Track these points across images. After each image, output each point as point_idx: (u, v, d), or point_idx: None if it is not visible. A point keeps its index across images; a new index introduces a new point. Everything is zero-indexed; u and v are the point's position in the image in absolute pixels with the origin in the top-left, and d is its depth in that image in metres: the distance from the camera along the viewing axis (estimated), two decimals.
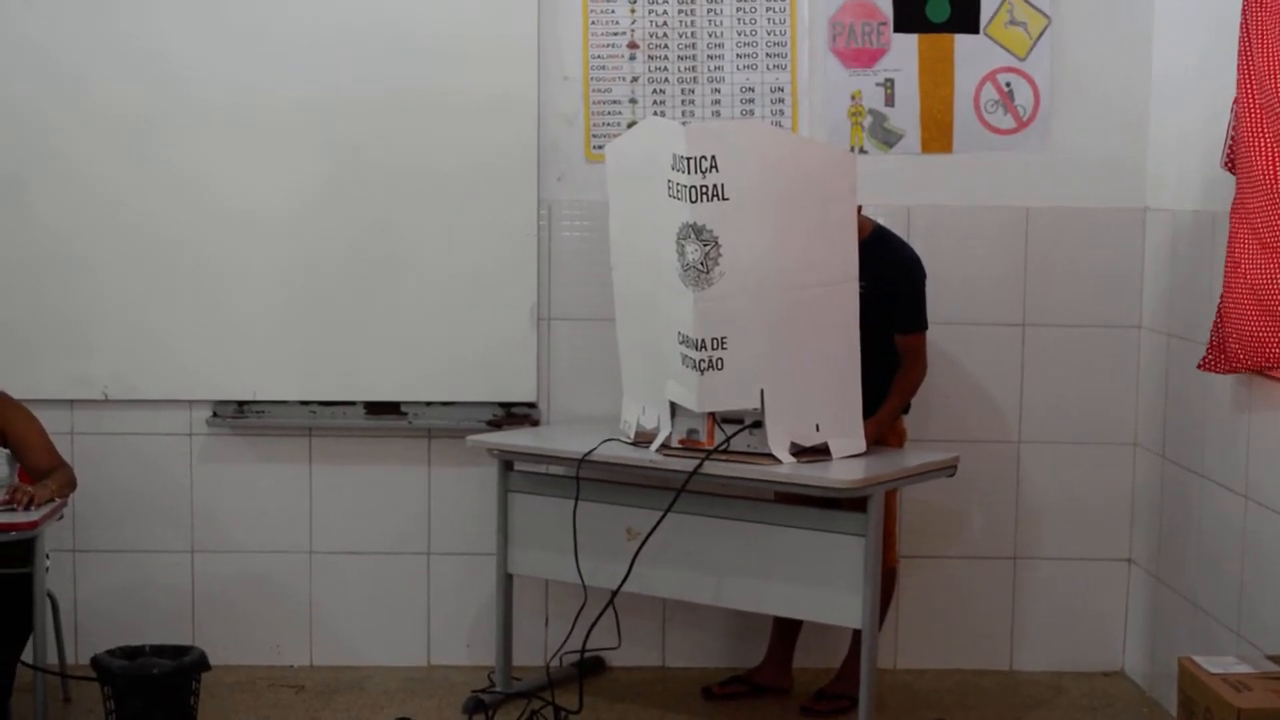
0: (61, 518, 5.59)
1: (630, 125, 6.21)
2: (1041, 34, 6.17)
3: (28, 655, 5.43)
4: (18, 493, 5.35)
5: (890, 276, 5.58)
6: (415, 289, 6.31)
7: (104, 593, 6.40)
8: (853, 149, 6.17)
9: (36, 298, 6.26)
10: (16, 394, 5.78)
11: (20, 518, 5.21)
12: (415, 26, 6.24)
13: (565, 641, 5.93)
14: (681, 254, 5.18)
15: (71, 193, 6.29)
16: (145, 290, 6.32)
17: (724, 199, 5.08)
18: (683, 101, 6.28)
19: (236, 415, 6.37)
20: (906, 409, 5.77)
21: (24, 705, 5.54)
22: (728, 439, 5.32)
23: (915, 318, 5.67)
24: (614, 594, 5.55)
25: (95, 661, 5.37)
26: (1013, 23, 6.17)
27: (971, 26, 6.18)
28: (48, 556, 5.45)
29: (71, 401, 6.25)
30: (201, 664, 5.39)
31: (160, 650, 5.43)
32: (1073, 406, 6.27)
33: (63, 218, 6.29)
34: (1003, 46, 6.19)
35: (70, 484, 5.64)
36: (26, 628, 5.39)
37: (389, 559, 6.47)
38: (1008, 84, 6.19)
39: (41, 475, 5.62)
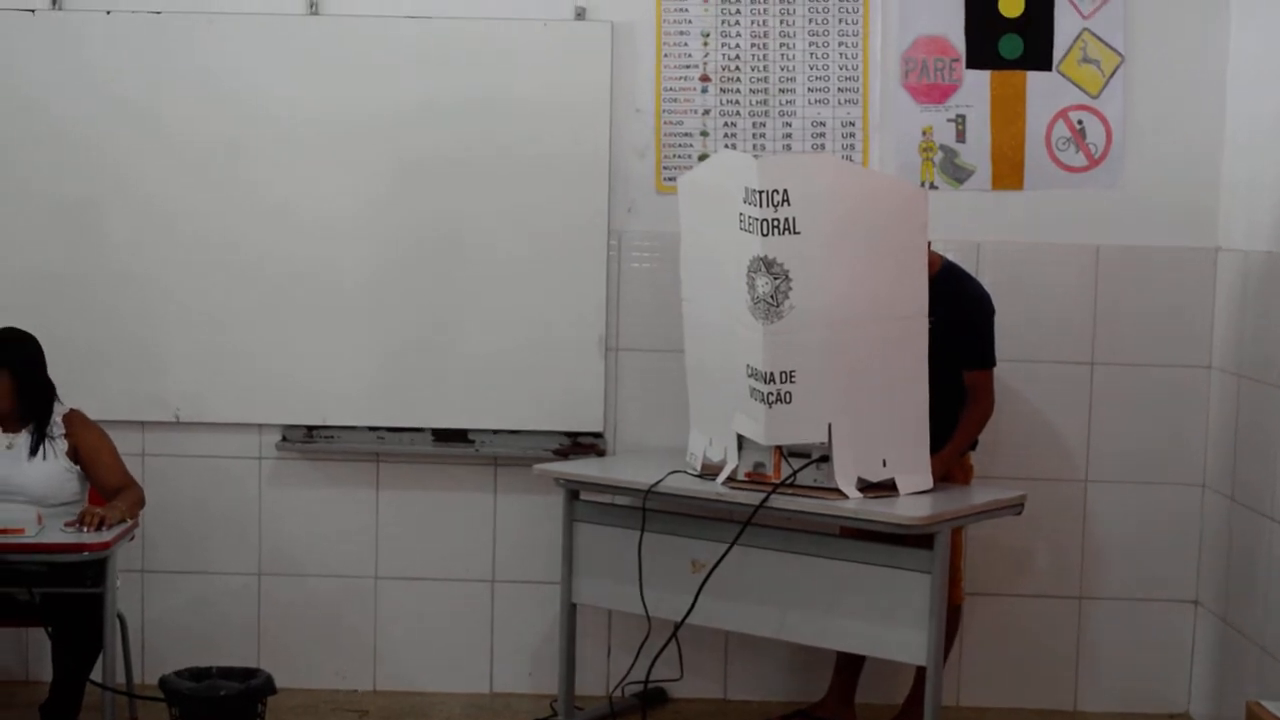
0: (133, 538, 5.61)
1: (701, 158, 6.22)
2: (1114, 72, 6.14)
3: (96, 674, 5.47)
4: (88, 515, 5.38)
5: (959, 312, 5.55)
6: (484, 317, 6.32)
7: (172, 613, 6.44)
8: (923, 184, 6.16)
9: (110, 320, 6.31)
10: (90, 414, 5.84)
11: (93, 538, 5.24)
12: (487, 59, 6.27)
13: (628, 672, 5.91)
14: (752, 287, 5.17)
15: (144, 217, 6.35)
16: (217, 314, 6.35)
17: (795, 233, 5.07)
18: (754, 135, 6.29)
19: (305, 439, 6.41)
20: (974, 446, 5.74)
21: None
22: (794, 473, 5.30)
23: (983, 354, 5.64)
24: (678, 626, 5.54)
25: (163, 682, 5.40)
26: (1086, 60, 6.15)
27: (1044, 64, 6.16)
28: (118, 577, 5.47)
29: (143, 423, 6.28)
30: (268, 687, 5.41)
31: (227, 672, 5.46)
32: (1141, 446, 6.22)
33: (136, 241, 6.34)
34: (1075, 84, 6.16)
35: (139, 503, 5.67)
36: (96, 647, 5.43)
37: (454, 586, 6.48)
38: (1080, 121, 6.17)
39: (111, 494, 5.67)
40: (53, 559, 5.23)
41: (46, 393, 5.75)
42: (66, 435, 5.73)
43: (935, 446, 5.41)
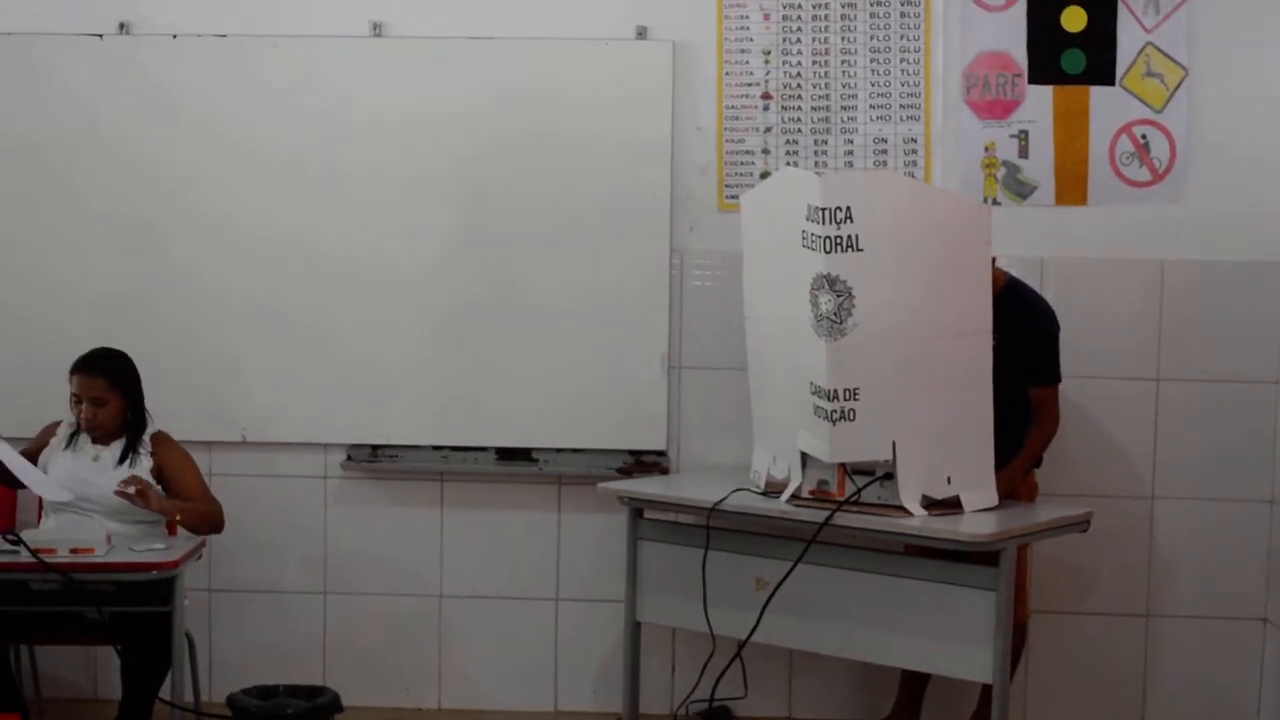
0: (200, 557, 5.64)
1: (763, 175, 6.24)
2: (1179, 86, 6.13)
3: (165, 692, 5.50)
4: (136, 480, 5.49)
5: (1024, 329, 5.56)
6: (547, 335, 6.34)
7: (239, 632, 6.49)
8: (986, 200, 6.15)
9: (177, 340, 6.37)
10: None
11: (162, 557, 5.28)
12: (552, 77, 6.31)
13: (693, 691, 5.90)
14: (815, 304, 5.16)
15: (211, 238, 6.41)
16: (284, 334, 6.41)
17: (858, 250, 5.06)
18: (815, 152, 6.30)
19: (370, 459, 6.44)
20: (1038, 463, 5.72)
21: None
22: (859, 490, 5.29)
23: (1048, 370, 5.63)
24: (742, 644, 5.54)
25: (231, 700, 5.46)
26: (1149, 74, 6.13)
27: (1107, 78, 6.16)
28: (186, 596, 5.50)
29: (210, 442, 6.33)
30: (334, 705, 5.47)
31: (294, 691, 5.53)
32: (1208, 462, 6.20)
33: (202, 262, 6.41)
34: (1139, 98, 6.15)
35: (205, 516, 5.71)
36: (164, 665, 5.46)
37: (518, 604, 6.50)
38: (1143, 136, 6.15)
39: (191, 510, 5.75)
40: (122, 578, 5.24)
41: (143, 411, 5.84)
42: (153, 454, 5.80)
43: (1000, 463, 5.40)
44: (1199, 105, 6.13)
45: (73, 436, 5.82)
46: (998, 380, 5.29)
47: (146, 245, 6.42)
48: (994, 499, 5.34)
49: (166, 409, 5.96)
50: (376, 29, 6.34)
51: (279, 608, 6.53)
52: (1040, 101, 6.18)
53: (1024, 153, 6.20)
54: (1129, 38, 6.13)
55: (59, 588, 5.22)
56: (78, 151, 6.42)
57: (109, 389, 5.72)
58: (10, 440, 5.87)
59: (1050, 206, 6.20)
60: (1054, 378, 5.64)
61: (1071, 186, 6.18)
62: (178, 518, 5.59)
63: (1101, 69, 6.16)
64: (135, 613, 5.35)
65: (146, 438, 5.82)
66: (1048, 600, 6.11)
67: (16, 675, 5.85)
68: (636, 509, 5.89)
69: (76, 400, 5.73)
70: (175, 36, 6.37)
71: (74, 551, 5.23)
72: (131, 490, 5.43)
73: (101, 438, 5.77)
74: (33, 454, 5.84)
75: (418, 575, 6.52)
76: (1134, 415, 6.18)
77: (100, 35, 6.38)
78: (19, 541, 5.24)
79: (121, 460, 5.74)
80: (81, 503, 5.67)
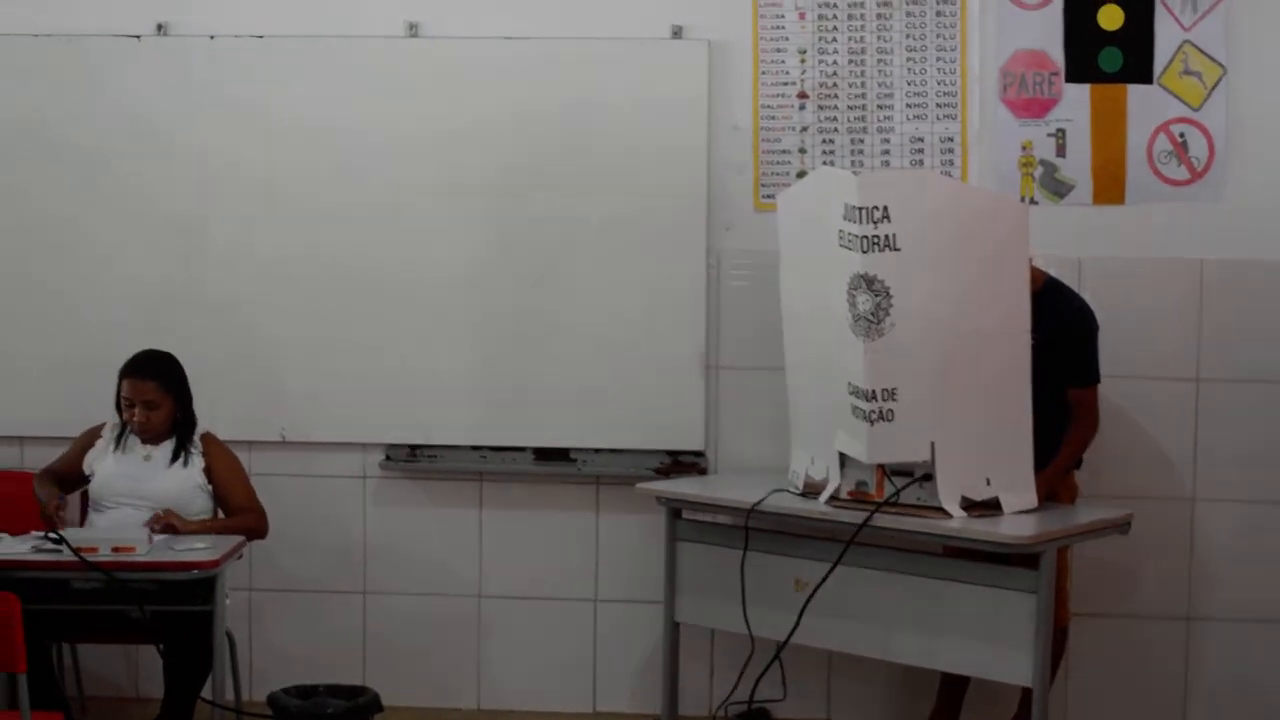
0: (241, 556, 5.67)
1: (799, 175, 6.22)
2: (1217, 84, 6.11)
3: (206, 691, 5.52)
4: (165, 516, 5.58)
5: (1062, 329, 5.54)
6: (585, 336, 6.36)
7: (280, 631, 6.53)
8: (1023, 199, 6.14)
9: (220, 342, 6.39)
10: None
11: (203, 556, 5.30)
12: (588, 78, 6.32)
13: (732, 692, 5.94)
14: (852, 304, 5.17)
15: (250, 239, 6.44)
16: (323, 336, 6.44)
17: (896, 249, 5.07)
18: (852, 151, 6.29)
19: (409, 459, 6.46)
20: (1079, 464, 5.72)
21: None
22: (897, 491, 5.30)
23: (1087, 371, 5.62)
24: (781, 645, 5.56)
25: (272, 700, 5.52)
26: (1187, 73, 6.12)
27: (1145, 76, 6.14)
28: (227, 595, 5.53)
29: (250, 442, 6.34)
30: (374, 705, 5.53)
31: (334, 690, 5.59)
32: (1249, 462, 6.16)
33: (241, 263, 6.44)
34: (1177, 97, 6.13)
35: (244, 533, 5.72)
36: (205, 664, 5.48)
37: (556, 605, 6.52)
38: (1181, 135, 6.13)
39: (234, 514, 5.82)
40: (163, 576, 5.28)
41: (192, 412, 5.90)
42: (204, 454, 5.87)
43: (1040, 464, 5.39)
44: (1238, 103, 6.10)
45: (120, 438, 5.88)
46: (1036, 380, 5.27)
47: (187, 244, 6.46)
48: (1034, 500, 5.33)
49: (207, 409, 6.01)
50: (412, 29, 6.36)
51: (318, 607, 6.55)
52: (1077, 100, 6.17)
53: (1061, 151, 6.18)
54: (1166, 36, 6.11)
55: (101, 586, 5.26)
56: (119, 151, 6.44)
57: (161, 392, 5.79)
58: (52, 438, 6.09)
59: (1088, 206, 6.18)
60: (1093, 378, 5.63)
61: (1109, 185, 6.17)
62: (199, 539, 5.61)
63: (1139, 67, 6.14)
64: (177, 612, 5.37)
65: (197, 438, 5.89)
66: (1088, 603, 6.07)
67: (59, 673, 5.92)
68: (675, 509, 5.91)
69: (128, 404, 5.78)
70: (213, 38, 6.40)
71: (115, 550, 5.26)
72: (158, 527, 5.50)
73: (151, 438, 5.83)
74: (75, 458, 5.92)
75: (456, 575, 6.53)
76: (1174, 416, 6.16)
77: (138, 36, 6.41)
78: (61, 540, 5.29)
79: (174, 460, 5.82)
80: (136, 501, 5.74)
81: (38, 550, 5.33)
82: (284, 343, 6.46)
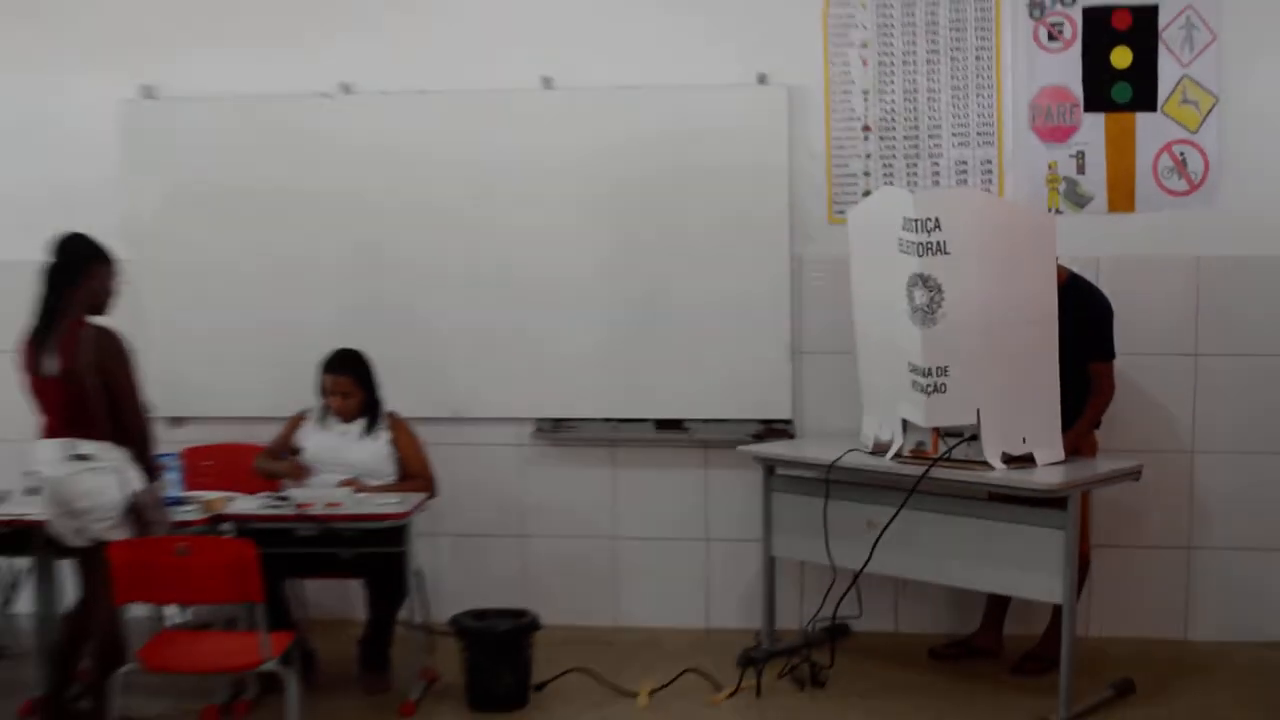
0: (426, 509, 5.76)
1: (865, 194, 6.23)
2: (1210, 111, 6.08)
3: (402, 616, 5.71)
4: (356, 482, 5.76)
5: (1084, 315, 5.55)
6: (693, 328, 6.38)
7: (457, 567, 6.61)
8: (1050, 210, 6.13)
9: (401, 340, 6.44)
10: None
11: (395, 509, 5.41)
12: (691, 117, 6.32)
13: (818, 611, 5.94)
14: (911, 298, 5.23)
15: (423, 257, 6.51)
16: (482, 332, 6.50)
17: (946, 253, 5.14)
18: (907, 173, 6.29)
19: (554, 430, 6.54)
20: (1098, 425, 5.71)
21: (401, 653, 5.81)
22: (950, 449, 5.35)
23: (1105, 348, 5.63)
24: (858, 573, 5.61)
25: (454, 621, 5.58)
26: (1185, 102, 6.09)
27: (1150, 105, 6.11)
28: (416, 539, 5.59)
29: (428, 418, 6.35)
30: (534, 625, 5.56)
31: (502, 613, 5.62)
32: (1238, 422, 6.15)
33: (418, 277, 6.51)
34: (1177, 122, 6.11)
35: (420, 489, 5.81)
36: (401, 594, 5.65)
37: (676, 543, 6.57)
38: (1181, 153, 6.11)
39: (412, 478, 5.90)
40: (365, 525, 5.38)
41: (378, 397, 6.00)
42: (389, 429, 5.97)
43: (1066, 426, 5.41)
44: (1228, 126, 6.07)
45: (323, 418, 6.00)
46: (1064, 358, 5.29)
47: (371, 261, 6.52)
48: (1061, 454, 5.36)
49: (393, 393, 6.08)
50: (546, 82, 6.40)
51: (488, 548, 6.66)
52: (1094, 127, 6.15)
53: (1081, 169, 6.16)
54: (1168, 71, 6.08)
55: (316, 534, 5.38)
56: (314, 187, 6.51)
57: (354, 384, 5.90)
58: (271, 418, 6.18)
59: (1104, 214, 6.16)
60: (1110, 354, 5.63)
61: (1121, 196, 6.15)
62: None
63: (1145, 98, 6.12)
64: (376, 553, 5.46)
65: (383, 416, 5.98)
66: (1107, 536, 6.10)
67: (287, 603, 5.97)
68: (769, 467, 5.96)
69: (328, 392, 5.90)
70: (385, 94, 6.47)
71: (328, 505, 5.41)
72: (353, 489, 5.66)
73: (347, 418, 5.95)
74: (288, 435, 6.04)
75: (594, 522, 6.61)
76: (1176, 385, 6.15)
77: (329, 95, 6.50)
78: (285, 499, 5.47)
79: (365, 434, 5.93)
80: (336, 467, 5.86)
81: (268, 507, 5.47)
82: (451, 338, 6.52)
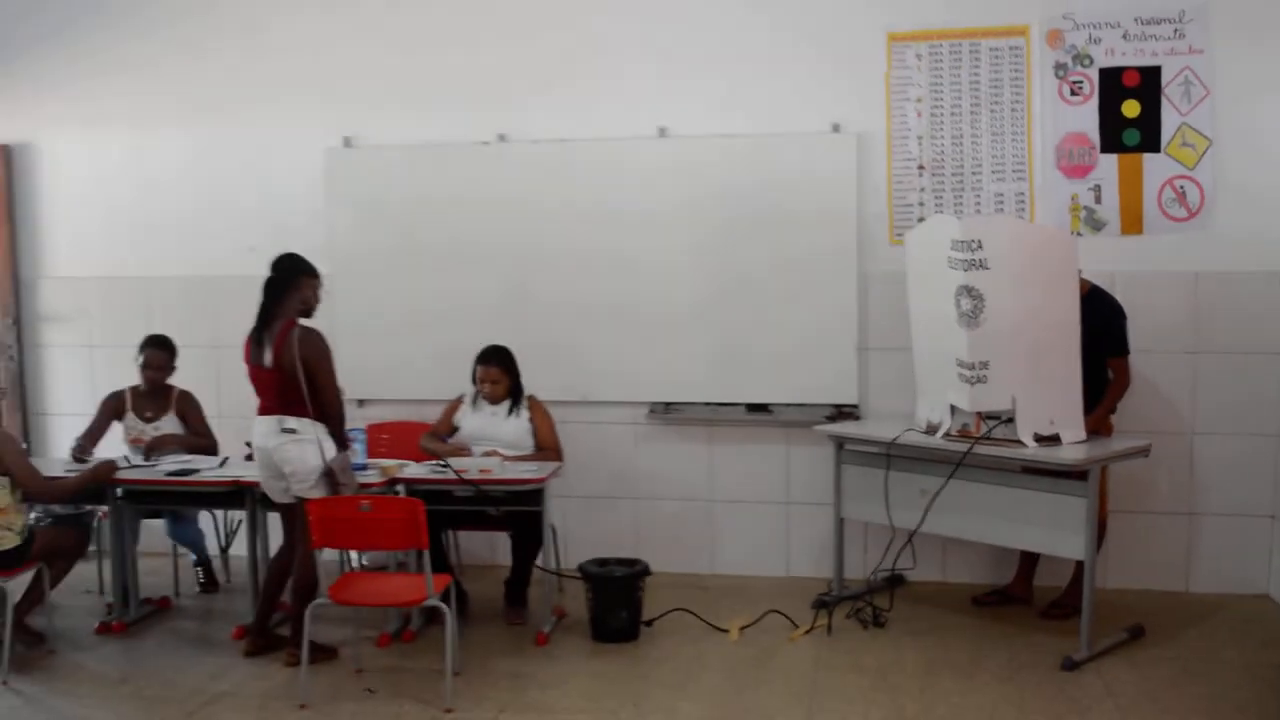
0: (559, 475, 5.78)
1: (920, 220, 6.21)
2: (1205, 151, 6.02)
3: (539, 562, 5.74)
4: (494, 452, 5.76)
5: (1103, 319, 5.51)
6: (779, 330, 6.37)
7: (584, 523, 6.62)
8: (1073, 233, 6.08)
9: (540, 337, 6.50)
10: None
11: (535, 475, 5.45)
12: (775, 159, 6.32)
13: (879, 563, 5.97)
14: (958, 306, 5.22)
15: (557, 273, 6.56)
16: (606, 331, 6.53)
17: (987, 269, 5.12)
18: (955, 203, 6.26)
19: (664, 412, 6.55)
20: (1114, 410, 5.66)
21: (537, 593, 5.86)
22: (990, 430, 5.33)
23: (1121, 346, 5.57)
24: (912, 532, 5.60)
25: (581, 568, 5.63)
26: (1184, 144, 6.03)
27: (1155, 148, 6.06)
28: (552, 500, 5.62)
29: (562, 402, 6.42)
30: (645, 571, 5.60)
31: (620, 561, 5.66)
32: (1232, 408, 6.08)
33: (554, 289, 6.56)
34: (1177, 161, 6.04)
35: (550, 460, 5.80)
36: (538, 544, 5.68)
37: (762, 505, 6.56)
38: (1181, 187, 6.04)
39: (542, 449, 5.91)
40: (510, 489, 5.45)
41: (520, 384, 6.03)
42: (529, 409, 5.99)
43: (1088, 410, 5.37)
44: (1220, 164, 6.01)
45: (475, 401, 6.03)
46: (1086, 355, 5.26)
47: (522, 277, 6.58)
48: (1083, 435, 5.31)
49: (533, 381, 6.12)
50: (662, 131, 6.44)
51: (608, 508, 6.65)
52: (1109, 165, 6.10)
53: (1098, 200, 6.10)
54: (1170, 120, 6.03)
55: (471, 494, 5.44)
56: (476, 216, 6.59)
57: (501, 373, 5.94)
58: (435, 400, 6.20)
59: (1117, 236, 6.09)
60: (1126, 350, 5.57)
61: (1132, 222, 6.09)
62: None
63: (1151, 142, 6.06)
64: (519, 510, 5.52)
65: (524, 399, 6.02)
66: (1121, 504, 6.05)
67: (447, 550, 6.10)
68: (839, 443, 5.94)
69: (482, 381, 5.95)
70: (534, 142, 6.53)
71: (480, 471, 5.47)
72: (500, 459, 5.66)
73: (495, 401, 5.98)
74: (448, 417, 6.06)
75: (696, 488, 6.61)
76: (1179, 377, 6.09)
77: (487, 142, 6.58)
78: (446, 466, 5.52)
79: (509, 414, 5.96)
80: (489, 442, 5.90)
81: (433, 472, 5.54)
82: (582, 338, 6.55)
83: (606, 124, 6.48)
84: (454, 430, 6.04)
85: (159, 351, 6.27)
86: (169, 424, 6.28)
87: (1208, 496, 6.17)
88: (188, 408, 6.34)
